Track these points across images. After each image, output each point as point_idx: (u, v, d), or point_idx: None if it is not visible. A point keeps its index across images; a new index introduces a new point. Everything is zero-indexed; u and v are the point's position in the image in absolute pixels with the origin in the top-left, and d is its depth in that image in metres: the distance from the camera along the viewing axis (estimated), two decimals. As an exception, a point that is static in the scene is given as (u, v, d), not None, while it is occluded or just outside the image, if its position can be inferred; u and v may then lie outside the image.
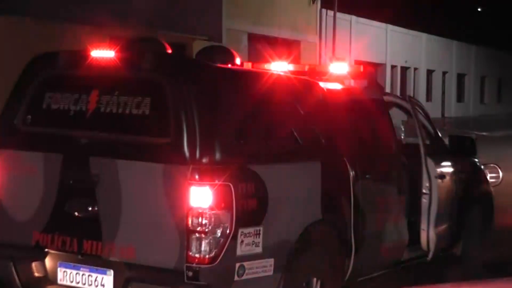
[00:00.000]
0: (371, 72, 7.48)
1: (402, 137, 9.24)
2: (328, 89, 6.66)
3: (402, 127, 14.75)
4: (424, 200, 7.46)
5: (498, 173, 8.89)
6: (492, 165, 9.10)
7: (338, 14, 29.08)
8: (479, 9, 61.36)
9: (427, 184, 7.44)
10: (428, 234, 7.43)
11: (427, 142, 7.96)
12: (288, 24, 26.90)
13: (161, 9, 19.85)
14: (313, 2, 28.71)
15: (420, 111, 8.04)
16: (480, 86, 52.14)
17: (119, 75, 5.60)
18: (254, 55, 23.92)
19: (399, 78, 39.14)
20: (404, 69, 39.95)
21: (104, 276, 5.48)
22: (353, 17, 33.54)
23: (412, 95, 40.31)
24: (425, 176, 7.46)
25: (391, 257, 7.21)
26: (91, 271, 5.53)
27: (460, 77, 48.60)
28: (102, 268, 5.48)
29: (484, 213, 8.57)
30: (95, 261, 5.49)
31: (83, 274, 5.56)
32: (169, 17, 19.95)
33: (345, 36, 31.78)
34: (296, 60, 27.09)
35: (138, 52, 5.75)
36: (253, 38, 24.99)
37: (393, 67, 38.23)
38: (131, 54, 5.73)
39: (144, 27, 17.73)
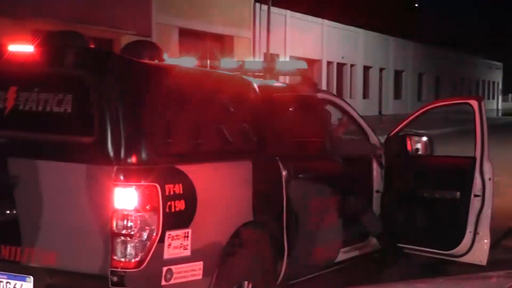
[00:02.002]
0: (304, 68, 7.49)
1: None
2: (259, 86, 6.67)
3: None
4: (476, 202, 7.54)
5: None
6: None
7: (273, 9, 29.16)
8: (416, 5, 62.36)
9: (480, 186, 7.52)
10: (475, 237, 7.52)
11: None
12: (221, 19, 26.87)
13: (87, 2, 19.61)
14: (247, -4, 28.79)
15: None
16: (418, 83, 52.92)
17: (39, 71, 5.49)
18: (185, 51, 23.85)
19: (335, 75, 39.44)
20: (341, 66, 40.29)
21: (24, 283, 5.38)
22: (288, 12, 33.65)
23: (349, 92, 40.74)
24: (478, 177, 7.51)
25: (325, 259, 7.26)
26: (9, 278, 5.42)
27: (398, 74, 49.25)
28: (21, 275, 5.38)
29: None
30: (13, 267, 5.37)
31: (0, 281, 5.45)
32: (95, 10, 19.72)
33: (280, 32, 31.91)
34: (229, 55, 27.10)
35: (59, 46, 5.66)
36: (184, 33, 24.88)
37: (329, 63, 38.50)
38: (52, 49, 5.64)
39: (69, 21, 17.48)
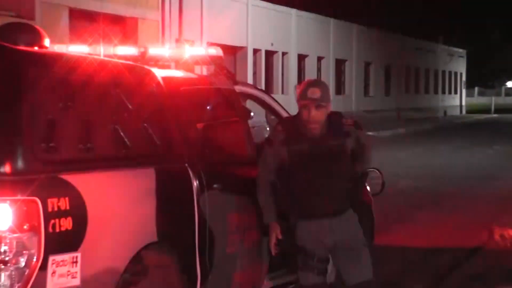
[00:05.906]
0: (219, 56, 7.60)
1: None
2: (165, 78, 6.74)
3: (267, 126, 14.98)
4: None
5: (380, 179, 9.18)
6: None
7: (186, -15, 29.27)
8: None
9: None
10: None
11: None
12: (122, -3, 26.86)
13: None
14: (155, -31, 28.77)
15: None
16: (364, 75, 53.53)
17: None
18: (77, 35, 23.73)
19: (264, 65, 39.62)
20: (271, 54, 40.55)
21: None
22: (205, -11, 33.80)
23: (280, 85, 41.01)
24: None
25: (248, 286, 7.37)
26: None
27: (339, 64, 49.77)
28: None
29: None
30: None
31: None
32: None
33: (196, 13, 31.96)
34: (133, 41, 27.03)
35: None
36: (76, 14, 24.78)
37: (256, 51, 38.67)
38: None
39: None
